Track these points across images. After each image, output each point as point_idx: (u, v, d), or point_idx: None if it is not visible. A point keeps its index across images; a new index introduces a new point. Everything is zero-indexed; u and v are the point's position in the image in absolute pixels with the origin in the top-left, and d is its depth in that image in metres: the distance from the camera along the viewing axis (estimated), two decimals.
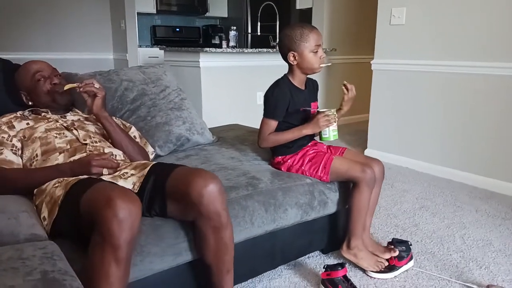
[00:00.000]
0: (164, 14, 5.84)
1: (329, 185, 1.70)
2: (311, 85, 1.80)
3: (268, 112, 1.69)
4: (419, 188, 2.77)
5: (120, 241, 1.02)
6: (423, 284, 1.65)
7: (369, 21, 4.00)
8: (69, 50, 5.03)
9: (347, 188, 1.74)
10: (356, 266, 1.75)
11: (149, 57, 5.17)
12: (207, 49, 3.56)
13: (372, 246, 1.73)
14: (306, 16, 4.98)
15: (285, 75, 1.74)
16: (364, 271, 1.71)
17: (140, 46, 5.18)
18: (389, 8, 3.26)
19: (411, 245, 1.78)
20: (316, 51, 1.62)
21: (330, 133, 1.64)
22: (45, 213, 1.24)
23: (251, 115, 3.93)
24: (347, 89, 1.72)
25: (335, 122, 1.63)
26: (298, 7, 4.96)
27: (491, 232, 2.12)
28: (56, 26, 4.95)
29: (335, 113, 1.64)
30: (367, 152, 3.57)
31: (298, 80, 1.72)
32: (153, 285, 1.29)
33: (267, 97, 1.70)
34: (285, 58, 1.68)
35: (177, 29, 5.96)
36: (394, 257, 1.69)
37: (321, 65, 1.66)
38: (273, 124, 1.68)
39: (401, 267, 1.68)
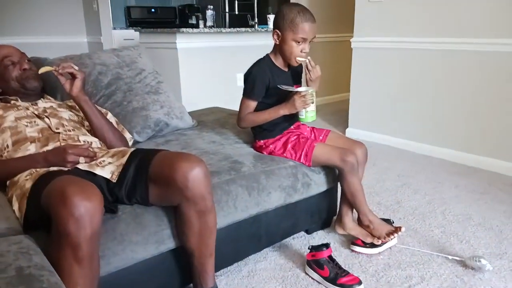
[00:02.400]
0: None
1: (312, 168, 1.68)
2: (295, 67, 1.75)
3: (247, 92, 1.66)
4: (400, 166, 2.80)
5: (79, 239, 0.97)
6: (407, 260, 1.67)
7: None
8: (38, 33, 4.82)
9: (331, 169, 1.74)
10: (342, 245, 1.76)
11: (125, 39, 5.00)
12: (184, 29, 3.46)
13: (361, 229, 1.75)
14: None
15: (267, 54, 1.70)
16: (349, 245, 1.73)
17: (114, 28, 5.01)
18: None
19: (393, 222, 1.80)
20: (299, 42, 1.57)
21: (307, 114, 1.61)
22: (15, 206, 1.19)
23: (231, 97, 3.87)
24: (309, 69, 1.64)
25: (312, 103, 1.59)
26: None
27: (470, 206, 2.16)
28: (22, 8, 4.72)
29: (313, 93, 1.59)
30: (348, 131, 3.58)
31: (280, 61, 1.68)
32: (136, 274, 1.27)
33: (246, 76, 1.67)
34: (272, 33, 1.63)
35: (153, 10, 5.77)
36: None
37: (298, 59, 1.60)
38: (252, 104, 1.65)
39: (384, 243, 1.70)
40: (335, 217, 1.84)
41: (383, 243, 1.70)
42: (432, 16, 2.87)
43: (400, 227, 1.68)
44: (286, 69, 1.70)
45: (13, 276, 0.85)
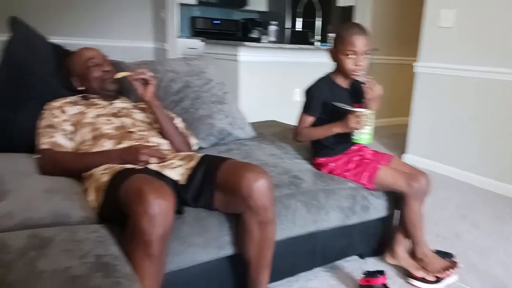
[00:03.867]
0: (204, 5, 5.86)
1: (373, 191, 1.66)
2: (357, 87, 1.74)
3: (304, 107, 1.69)
4: (459, 197, 2.67)
5: (152, 237, 1.01)
6: None
7: (415, 22, 3.88)
8: (110, 37, 5.12)
9: (391, 196, 1.70)
10: (397, 274, 1.71)
11: (188, 48, 5.20)
12: (247, 43, 3.55)
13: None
14: (348, 14, 4.89)
15: (329, 72, 1.72)
16: (405, 279, 1.67)
17: (179, 37, 5.23)
18: (438, 9, 3.15)
19: (453, 257, 1.72)
20: (348, 56, 1.57)
21: (361, 135, 1.58)
22: (92, 197, 1.26)
23: (287, 112, 3.88)
24: (369, 88, 1.59)
25: (367, 125, 1.56)
26: (339, 4, 4.88)
27: None
28: (99, 13, 5.05)
29: (371, 115, 1.56)
30: (406, 157, 3.48)
31: (340, 78, 1.68)
32: (194, 275, 1.30)
33: (306, 92, 1.70)
34: None
35: (216, 21, 5.98)
36: None
37: (354, 73, 1.60)
38: (308, 119, 1.67)
39: (444, 279, 1.63)
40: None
41: (440, 279, 1.62)
42: (504, 46, 2.75)
43: (457, 262, 1.61)
44: (346, 87, 1.70)
45: (92, 263, 0.91)
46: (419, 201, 1.59)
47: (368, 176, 1.62)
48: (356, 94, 1.74)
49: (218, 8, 6.07)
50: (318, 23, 4.39)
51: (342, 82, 1.69)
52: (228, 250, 1.32)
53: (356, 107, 1.65)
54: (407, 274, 1.68)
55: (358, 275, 1.62)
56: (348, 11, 4.84)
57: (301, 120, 1.70)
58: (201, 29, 5.79)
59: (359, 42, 1.56)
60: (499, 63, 2.79)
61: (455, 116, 3.09)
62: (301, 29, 4.56)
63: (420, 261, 1.65)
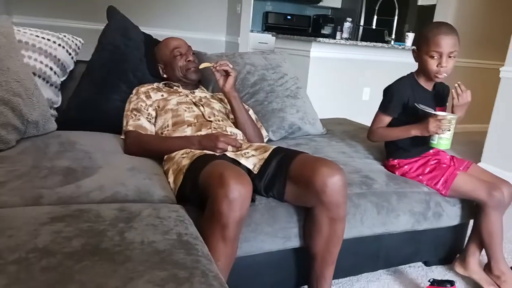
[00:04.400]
0: (277, 0, 5.91)
1: (447, 198, 1.59)
2: (441, 89, 1.68)
3: (382, 106, 1.65)
4: None
5: (230, 220, 1.06)
6: None
7: (503, 24, 3.61)
8: (184, 28, 5.34)
9: (468, 202, 1.62)
10: (466, 287, 1.63)
11: (259, 42, 5.28)
12: (320, 39, 3.53)
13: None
14: (427, 13, 4.67)
15: (412, 72, 1.66)
16: None
17: (252, 31, 5.32)
18: None
19: None
20: (433, 57, 1.50)
21: (440, 140, 1.51)
22: (171, 179, 1.35)
23: (355, 111, 3.83)
24: (458, 93, 1.53)
25: (449, 130, 1.49)
26: (420, 2, 4.66)
27: None
28: (179, 6, 5.29)
29: (453, 120, 1.49)
30: (480, 165, 3.27)
31: (423, 79, 1.62)
32: (260, 263, 1.35)
33: (386, 90, 1.65)
34: None
35: (288, 17, 5.99)
36: None
37: (438, 75, 1.53)
38: (385, 118, 1.63)
39: None
40: (458, 255, 1.71)
41: None
42: None
43: None
44: (430, 89, 1.64)
45: (174, 240, 0.97)
46: (499, 212, 1.50)
47: (444, 182, 1.56)
48: (439, 97, 1.68)
49: (291, 4, 6.09)
50: (395, 21, 4.24)
51: (425, 84, 1.63)
52: (294, 242, 1.35)
53: (438, 110, 1.60)
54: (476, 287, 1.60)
55: (423, 282, 1.58)
56: (427, 10, 4.61)
57: (377, 119, 1.66)
58: (273, 24, 5.85)
59: (445, 43, 1.49)
60: None
61: None
62: (375, 27, 4.43)
63: (496, 278, 1.56)
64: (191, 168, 1.26)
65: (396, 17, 4.23)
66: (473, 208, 1.62)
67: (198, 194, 1.19)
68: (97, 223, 1.00)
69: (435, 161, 1.62)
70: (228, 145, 1.40)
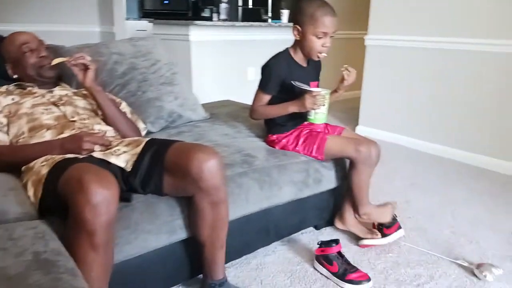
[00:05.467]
0: None
1: (324, 163, 1.69)
2: (314, 64, 1.74)
3: (261, 85, 1.66)
4: (410, 165, 2.78)
5: (95, 226, 0.98)
6: (416, 259, 1.67)
7: None
8: (53, 21, 4.83)
9: (342, 164, 1.74)
10: (350, 241, 1.77)
11: (137, 30, 5.00)
12: (197, 22, 3.46)
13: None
14: None
15: (287, 48, 1.69)
16: (357, 241, 1.75)
17: (127, 19, 5.01)
18: None
19: (396, 216, 1.80)
20: (320, 37, 1.55)
21: (316, 115, 1.58)
22: (31, 192, 1.20)
23: (242, 91, 3.86)
24: (347, 75, 1.62)
25: (323, 105, 1.56)
26: None
27: (481, 208, 2.15)
28: None
29: (326, 95, 1.56)
30: (359, 129, 3.57)
31: (299, 56, 1.67)
32: (147, 262, 1.28)
33: (263, 69, 1.66)
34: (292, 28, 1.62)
35: (166, 1, 5.77)
36: (382, 226, 1.75)
37: (319, 55, 1.59)
38: (265, 97, 1.66)
39: (391, 234, 1.72)
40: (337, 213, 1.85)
41: (386, 235, 1.72)
42: (451, 15, 2.83)
43: (394, 202, 1.77)
44: (305, 65, 1.69)
45: (30, 260, 0.86)
46: (367, 167, 1.63)
47: (318, 148, 1.64)
48: (313, 73, 1.74)
49: None
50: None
51: (300, 60, 1.67)
52: (180, 234, 1.30)
53: (312, 85, 1.66)
54: (358, 239, 1.76)
55: (314, 246, 1.66)
56: None
57: (257, 97, 1.68)
58: (150, 10, 5.57)
59: (332, 24, 1.54)
60: (447, 32, 2.87)
61: (403, 86, 3.19)
62: (252, 7, 4.49)
63: (365, 217, 1.71)
64: (49, 177, 1.13)
65: None
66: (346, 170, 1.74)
67: (60, 204, 1.07)
68: None
69: (307, 131, 1.69)
70: (95, 144, 1.29)
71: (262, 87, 1.66)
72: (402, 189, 2.38)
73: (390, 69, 3.27)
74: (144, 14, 5.50)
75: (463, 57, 2.79)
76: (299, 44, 1.63)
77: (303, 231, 1.85)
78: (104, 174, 1.04)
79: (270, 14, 4.39)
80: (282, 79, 1.63)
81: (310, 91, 1.55)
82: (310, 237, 1.82)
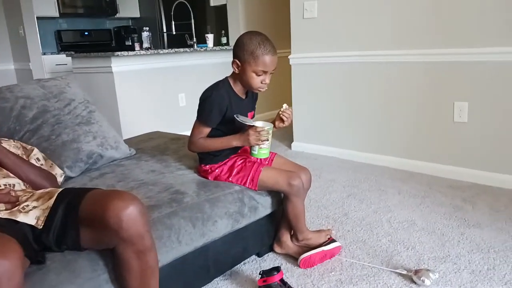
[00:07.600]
0: (69, 17, 5.41)
1: (259, 191, 1.65)
2: (251, 94, 1.70)
3: (202, 116, 1.58)
4: (345, 177, 2.85)
5: None
6: (358, 274, 1.67)
7: (285, 16, 4.03)
8: None
9: (276, 193, 1.72)
10: (293, 264, 1.74)
11: (57, 64, 4.76)
12: (119, 52, 3.34)
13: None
14: (221, 12, 4.91)
15: (226, 78, 1.62)
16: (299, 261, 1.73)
17: (44, 54, 4.74)
18: (301, 2, 3.30)
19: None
20: (260, 75, 1.52)
21: (260, 150, 1.55)
22: None
23: (174, 118, 3.78)
24: (285, 116, 1.61)
25: (267, 140, 1.54)
26: (212, 4, 4.87)
27: (413, 212, 2.23)
28: None
29: (270, 130, 1.53)
30: (294, 145, 3.61)
31: (239, 87, 1.62)
32: None
33: (203, 99, 1.58)
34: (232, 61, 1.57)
35: (86, 33, 5.56)
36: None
37: (259, 90, 1.57)
38: (205, 129, 1.59)
39: (328, 245, 1.75)
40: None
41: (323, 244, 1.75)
42: (364, 30, 2.99)
43: (330, 230, 1.83)
44: (243, 97, 1.65)
45: None
46: (300, 197, 1.65)
47: (251, 180, 1.62)
48: (251, 103, 1.71)
49: (86, 19, 5.68)
50: (192, 24, 4.34)
51: (240, 91, 1.62)
52: None
53: (249, 115, 1.64)
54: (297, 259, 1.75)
55: (257, 276, 1.61)
56: (221, 10, 4.85)
57: (196, 130, 1.60)
58: (69, 43, 5.35)
59: (272, 63, 1.51)
60: (362, 47, 3.02)
61: (330, 100, 3.29)
62: (176, 32, 4.45)
63: (305, 241, 1.74)
64: None
65: (192, 20, 4.32)
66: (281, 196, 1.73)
67: None
68: None
69: (241, 161, 1.66)
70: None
71: (204, 119, 1.57)
72: (340, 201, 2.42)
73: (314, 85, 3.37)
74: (63, 47, 5.26)
75: (382, 68, 2.94)
76: (238, 77, 1.58)
77: (245, 261, 1.79)
78: (3, 241, 0.91)
79: (195, 39, 4.37)
80: (224, 112, 1.57)
81: (254, 126, 1.51)
82: (253, 266, 1.77)
